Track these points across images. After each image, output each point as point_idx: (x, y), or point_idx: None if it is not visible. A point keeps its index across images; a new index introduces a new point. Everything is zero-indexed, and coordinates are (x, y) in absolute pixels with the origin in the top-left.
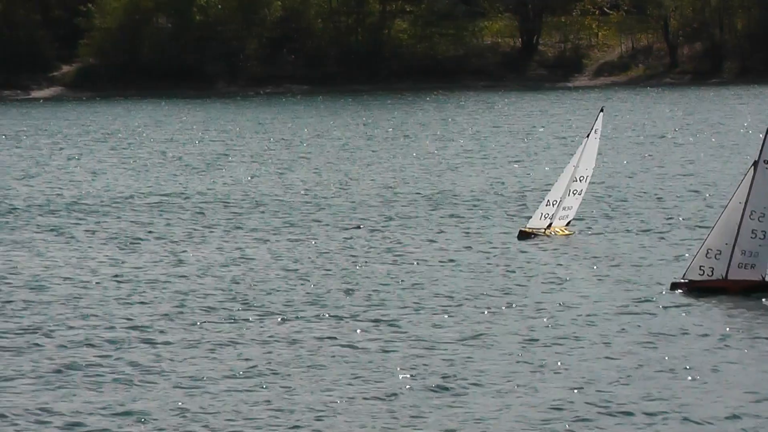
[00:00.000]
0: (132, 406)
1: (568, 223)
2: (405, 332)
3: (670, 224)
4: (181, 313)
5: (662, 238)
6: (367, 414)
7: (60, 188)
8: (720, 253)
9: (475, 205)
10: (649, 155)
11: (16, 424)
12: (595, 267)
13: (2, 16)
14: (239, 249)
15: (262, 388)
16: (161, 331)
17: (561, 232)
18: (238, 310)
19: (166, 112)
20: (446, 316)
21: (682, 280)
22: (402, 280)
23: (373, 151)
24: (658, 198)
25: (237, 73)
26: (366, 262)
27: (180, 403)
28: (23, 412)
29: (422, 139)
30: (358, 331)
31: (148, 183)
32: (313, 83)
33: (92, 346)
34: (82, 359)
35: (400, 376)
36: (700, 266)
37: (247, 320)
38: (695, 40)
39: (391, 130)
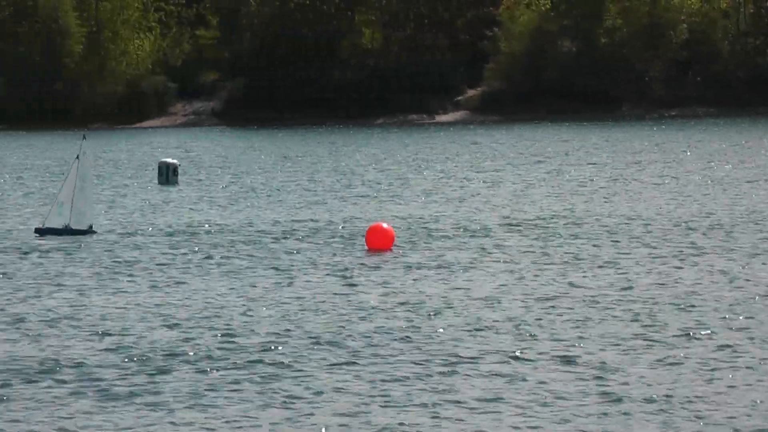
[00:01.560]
0: None
1: None
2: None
3: None
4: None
5: None
6: None
7: (486, 208)
8: None
9: None
10: None
11: None
12: None
13: (411, 40)
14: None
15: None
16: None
17: None
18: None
19: (581, 135)
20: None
21: None
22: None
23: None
24: None
25: (642, 95)
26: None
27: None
28: None
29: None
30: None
31: (578, 204)
32: (719, 106)
33: (572, 362)
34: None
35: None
36: None
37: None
38: None
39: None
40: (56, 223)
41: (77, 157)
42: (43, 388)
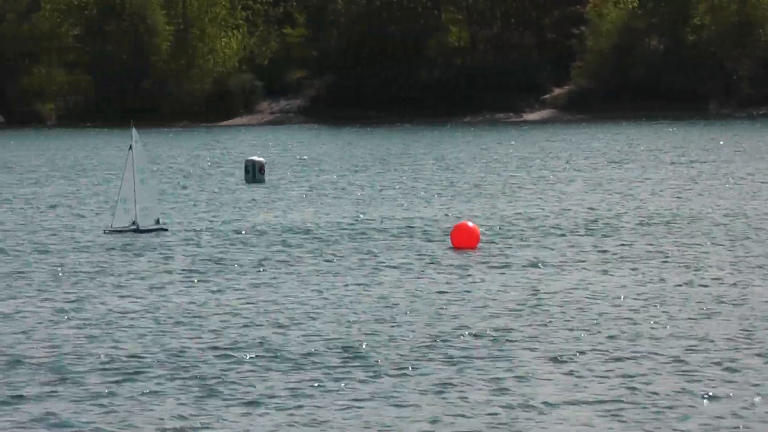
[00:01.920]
0: None
1: None
2: None
3: None
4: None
5: None
6: None
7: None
8: None
9: None
10: None
11: None
12: None
13: (498, 39)
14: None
15: None
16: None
17: None
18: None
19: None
20: None
21: None
22: None
23: None
24: None
25: (730, 94)
26: None
27: None
28: None
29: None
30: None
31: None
32: None
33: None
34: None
35: None
36: None
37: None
38: None
39: None
40: (124, 221)
41: (130, 147)
42: (140, 385)
